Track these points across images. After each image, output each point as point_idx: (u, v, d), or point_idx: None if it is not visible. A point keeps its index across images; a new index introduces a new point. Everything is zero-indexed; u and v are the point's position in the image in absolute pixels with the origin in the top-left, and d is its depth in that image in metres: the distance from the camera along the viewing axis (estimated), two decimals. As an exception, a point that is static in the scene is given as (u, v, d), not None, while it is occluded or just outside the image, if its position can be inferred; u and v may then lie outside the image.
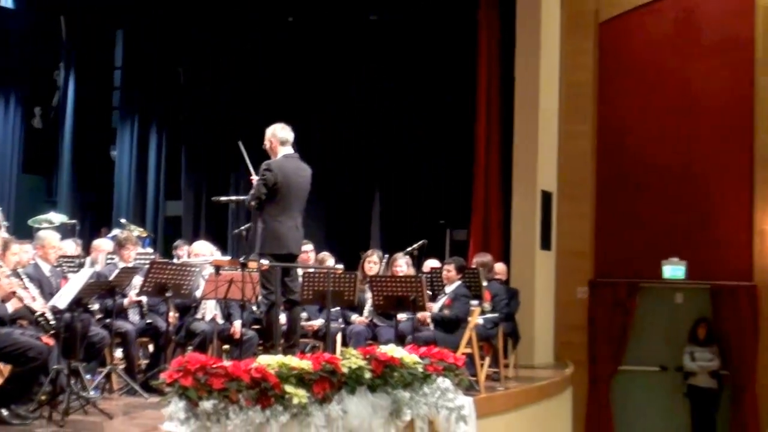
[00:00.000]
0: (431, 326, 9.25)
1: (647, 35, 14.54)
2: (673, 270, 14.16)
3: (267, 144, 7.58)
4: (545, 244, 13.16)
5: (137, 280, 8.16)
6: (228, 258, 9.70)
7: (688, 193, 14.22)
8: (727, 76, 14.21)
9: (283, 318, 7.69)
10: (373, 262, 10.11)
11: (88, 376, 7.18)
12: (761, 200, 13.94)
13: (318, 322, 9.36)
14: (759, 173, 13.98)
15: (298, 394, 6.02)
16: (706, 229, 14.18)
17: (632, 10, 14.52)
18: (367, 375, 6.72)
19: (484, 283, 10.03)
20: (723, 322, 13.97)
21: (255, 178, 7.39)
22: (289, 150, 7.54)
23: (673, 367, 14.28)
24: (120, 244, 8.70)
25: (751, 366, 13.77)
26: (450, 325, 9.02)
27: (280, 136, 7.53)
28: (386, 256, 10.32)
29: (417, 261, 10.61)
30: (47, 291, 7.01)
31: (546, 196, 13.17)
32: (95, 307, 7.97)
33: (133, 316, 8.42)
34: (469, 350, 8.90)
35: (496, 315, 10.03)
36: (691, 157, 14.25)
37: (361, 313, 9.83)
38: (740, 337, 13.85)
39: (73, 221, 13.14)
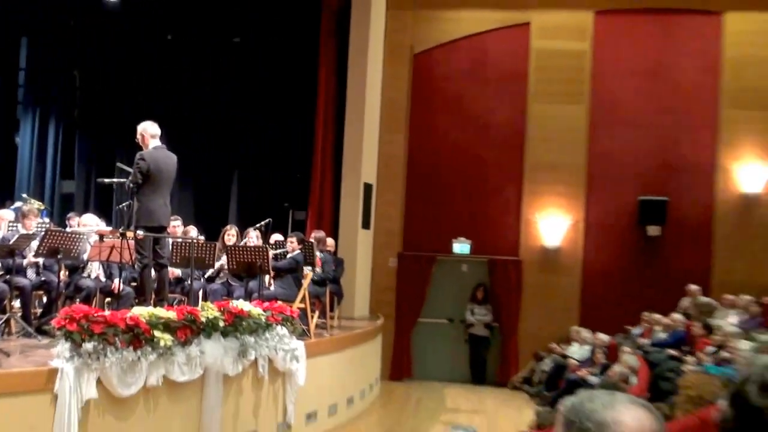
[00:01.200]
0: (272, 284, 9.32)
1: (450, 66, 14.22)
2: (461, 247, 13.95)
3: (139, 138, 7.45)
4: (365, 224, 13.17)
5: (35, 244, 7.88)
6: (111, 228, 9.47)
7: (475, 189, 13.99)
8: (508, 102, 14.01)
9: (154, 276, 7.59)
10: (231, 235, 10.06)
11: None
12: (527, 196, 13.82)
13: (178, 271, 9.30)
14: (527, 177, 13.83)
15: (165, 338, 5.98)
16: (486, 217, 13.99)
17: (439, 46, 14.20)
18: (221, 324, 6.74)
19: (318, 254, 10.16)
20: (496, 286, 13.86)
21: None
22: (157, 142, 7.43)
23: (458, 319, 14.10)
24: (24, 215, 8.35)
25: (515, 319, 13.75)
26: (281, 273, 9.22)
27: (150, 131, 7.42)
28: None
29: (264, 234, 10.63)
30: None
31: (367, 187, 13.18)
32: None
33: (31, 273, 8.13)
34: (302, 305, 8.90)
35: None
36: (479, 162, 14.00)
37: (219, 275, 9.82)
38: (508, 298, 13.76)
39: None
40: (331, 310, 10.67)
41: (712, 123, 13.40)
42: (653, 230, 13.40)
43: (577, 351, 12.61)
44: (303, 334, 8.48)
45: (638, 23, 13.66)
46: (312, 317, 9.23)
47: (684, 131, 13.47)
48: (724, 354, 9.25)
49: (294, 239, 9.68)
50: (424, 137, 14.23)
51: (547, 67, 13.89)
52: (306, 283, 9.19)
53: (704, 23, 13.41)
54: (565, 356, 12.60)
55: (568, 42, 13.82)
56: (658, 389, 8.65)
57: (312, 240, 10.36)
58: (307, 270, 9.56)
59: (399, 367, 13.87)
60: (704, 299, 12.07)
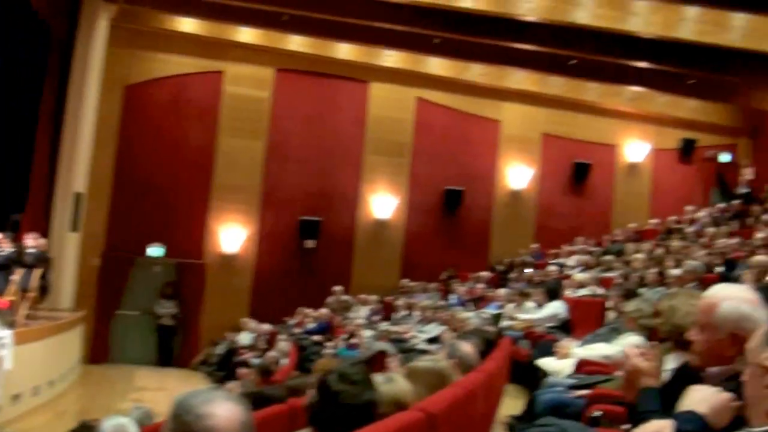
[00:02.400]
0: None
1: (157, 99, 16.60)
2: (156, 250, 16.10)
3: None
4: (74, 228, 14.53)
5: None
6: None
7: (171, 202, 16.38)
8: (202, 133, 16.83)
9: None
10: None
11: None
12: (213, 211, 16.71)
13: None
14: (214, 195, 16.76)
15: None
16: (179, 226, 16.44)
17: (149, 81, 16.57)
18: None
19: (29, 251, 11.16)
20: (183, 285, 16.25)
21: None
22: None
23: (150, 312, 16.18)
24: None
25: (197, 312, 16.35)
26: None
27: None
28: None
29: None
30: None
31: (78, 196, 14.53)
32: None
33: None
34: (12, 298, 9.95)
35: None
36: (176, 180, 16.47)
37: None
38: (192, 294, 16.22)
39: None
40: (39, 302, 11.65)
41: (357, 163, 17.84)
42: (310, 243, 17.28)
43: (245, 338, 15.08)
44: (12, 324, 9.30)
45: (308, 82, 17.56)
46: (20, 309, 10.20)
47: (337, 168, 17.65)
48: (354, 340, 12.67)
49: (7, 238, 10.96)
50: (131, 155, 16.39)
51: (235, 108, 17.08)
52: (17, 278, 10.29)
53: (356, 88, 17.82)
54: (235, 342, 15.05)
55: (253, 90, 17.22)
56: (305, 369, 10.50)
57: (25, 239, 11.41)
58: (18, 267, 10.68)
59: (98, 352, 15.63)
60: (345, 297, 15.67)
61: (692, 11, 12.77)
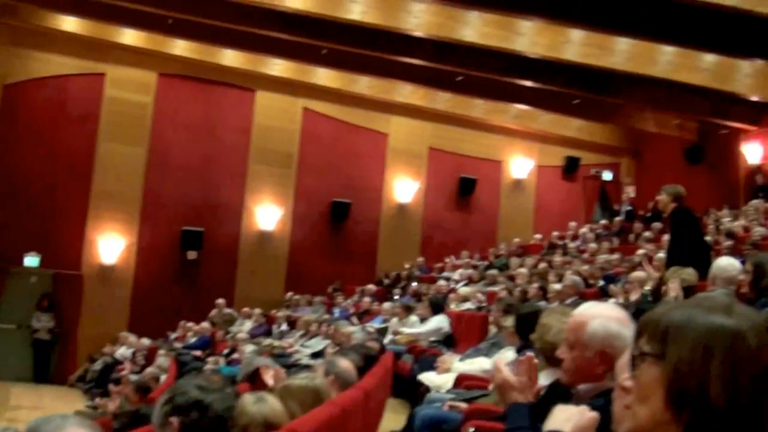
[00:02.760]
0: None
1: (36, 100, 16.13)
2: (31, 260, 15.56)
3: None
4: None
5: None
6: None
7: (48, 211, 15.84)
8: (81, 138, 16.34)
9: None
10: None
11: None
12: (92, 220, 16.28)
13: None
14: (92, 203, 16.30)
15: None
16: (56, 235, 15.94)
17: (28, 81, 16.09)
18: None
19: None
20: (60, 296, 15.81)
21: None
22: None
23: (26, 325, 15.71)
24: None
25: (74, 326, 15.90)
26: None
27: None
28: None
29: None
30: None
31: None
32: None
33: None
34: None
35: None
36: (54, 186, 15.96)
37: None
38: (69, 306, 15.77)
39: None
40: None
41: (242, 173, 17.64)
42: (192, 254, 16.94)
43: (123, 353, 14.71)
44: None
45: (193, 88, 17.26)
46: None
47: (221, 178, 17.39)
48: (235, 356, 12.87)
49: None
50: (6, 159, 15.79)
51: (116, 112, 16.63)
52: None
53: (242, 96, 17.64)
54: (113, 357, 14.84)
55: (135, 94, 16.83)
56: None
57: None
58: None
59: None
60: (228, 310, 15.48)
61: (577, 34, 13.23)
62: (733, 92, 14.25)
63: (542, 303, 9.87)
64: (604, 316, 2.61)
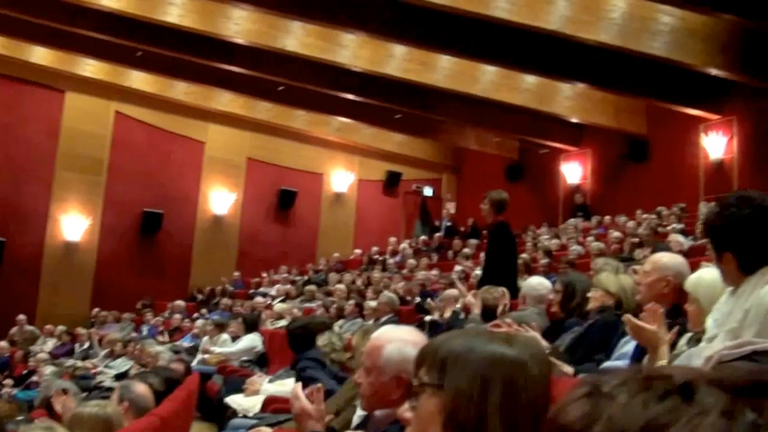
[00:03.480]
0: None
1: None
2: None
3: None
4: None
5: None
6: None
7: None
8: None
9: None
10: None
11: None
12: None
13: None
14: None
15: None
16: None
17: None
18: None
19: None
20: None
21: None
22: None
23: None
24: None
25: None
26: None
27: None
28: None
29: None
30: None
31: None
32: None
33: None
34: None
35: None
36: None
37: None
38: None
39: None
40: None
41: (48, 179, 16.77)
42: None
43: None
44: None
45: (-4, 86, 16.32)
46: None
47: (25, 184, 16.45)
48: (34, 378, 12.22)
49: None
50: None
51: None
52: None
53: (49, 97, 16.80)
54: None
55: None
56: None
57: None
58: None
59: None
60: (29, 328, 14.83)
61: (400, 49, 13.51)
62: (553, 113, 15.01)
63: (359, 320, 9.93)
64: (401, 340, 2.58)
